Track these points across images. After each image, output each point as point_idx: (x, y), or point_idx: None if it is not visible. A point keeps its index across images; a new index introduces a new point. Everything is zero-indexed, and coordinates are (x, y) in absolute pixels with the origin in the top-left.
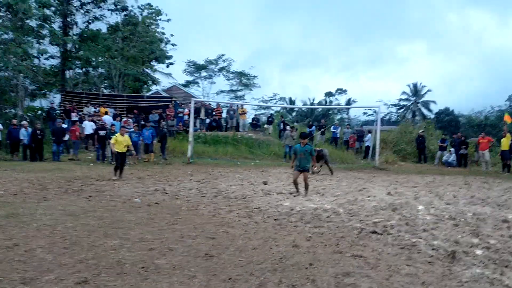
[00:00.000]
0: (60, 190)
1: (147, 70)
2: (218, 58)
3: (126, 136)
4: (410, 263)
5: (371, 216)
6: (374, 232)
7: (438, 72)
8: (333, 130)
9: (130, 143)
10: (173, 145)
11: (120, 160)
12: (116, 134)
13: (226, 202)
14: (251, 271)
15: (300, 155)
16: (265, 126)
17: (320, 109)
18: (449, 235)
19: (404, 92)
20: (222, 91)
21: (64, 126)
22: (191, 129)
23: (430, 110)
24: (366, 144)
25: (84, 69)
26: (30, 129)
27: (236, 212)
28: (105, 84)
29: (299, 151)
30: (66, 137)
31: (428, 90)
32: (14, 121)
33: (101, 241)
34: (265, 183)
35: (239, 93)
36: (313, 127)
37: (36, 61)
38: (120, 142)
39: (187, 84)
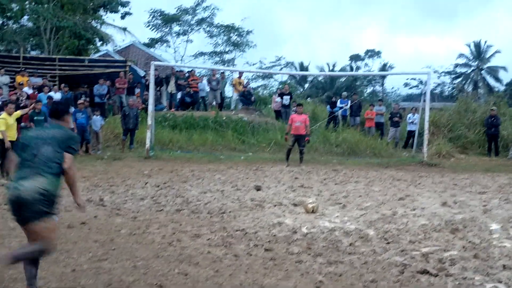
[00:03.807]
0: None
1: (92, 23)
2: (196, 6)
3: (18, 113)
4: None
5: (418, 242)
6: (425, 271)
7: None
8: (340, 105)
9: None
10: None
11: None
12: (1, 115)
13: (193, 221)
14: None
15: None
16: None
17: (343, 79)
18: None
19: (461, 55)
20: (202, 53)
21: None
22: (150, 107)
23: (499, 80)
24: (409, 128)
25: None
26: None
27: (207, 238)
28: (31, 43)
29: None
30: None
31: (496, 52)
32: None
33: None
34: (257, 189)
35: (226, 56)
36: (346, 101)
37: None
38: (11, 126)
39: (152, 43)
